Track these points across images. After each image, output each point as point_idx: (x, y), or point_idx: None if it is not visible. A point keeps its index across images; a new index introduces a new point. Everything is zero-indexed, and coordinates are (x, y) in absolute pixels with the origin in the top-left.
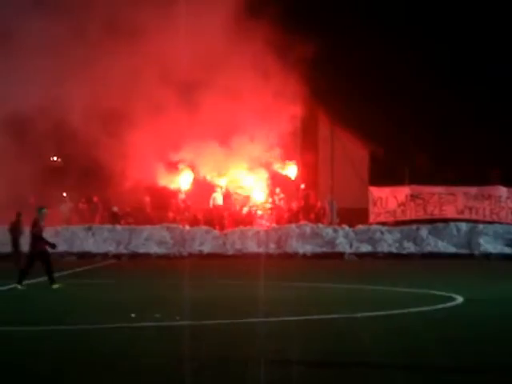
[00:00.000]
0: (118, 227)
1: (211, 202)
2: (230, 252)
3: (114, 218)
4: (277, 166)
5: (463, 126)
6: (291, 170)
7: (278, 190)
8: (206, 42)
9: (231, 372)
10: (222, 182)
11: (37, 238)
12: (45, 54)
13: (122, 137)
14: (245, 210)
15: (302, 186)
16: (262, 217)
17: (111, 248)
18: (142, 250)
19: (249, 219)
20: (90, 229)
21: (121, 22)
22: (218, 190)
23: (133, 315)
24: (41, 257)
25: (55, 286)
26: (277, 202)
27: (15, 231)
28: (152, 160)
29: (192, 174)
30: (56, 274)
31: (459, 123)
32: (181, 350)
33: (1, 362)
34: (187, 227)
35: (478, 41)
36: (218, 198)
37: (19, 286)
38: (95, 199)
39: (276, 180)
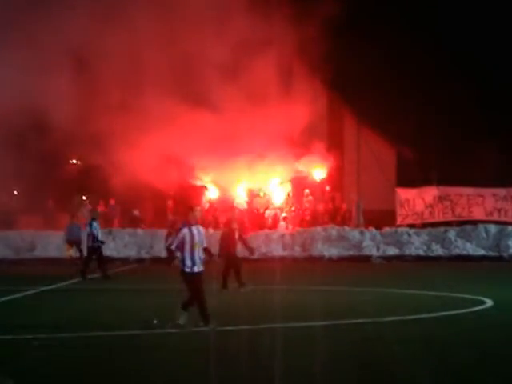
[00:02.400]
0: (140, 231)
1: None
2: (255, 256)
3: (135, 222)
4: (301, 168)
5: (493, 127)
6: (316, 172)
7: (307, 191)
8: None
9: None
10: (244, 186)
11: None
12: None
13: (143, 141)
14: (268, 212)
15: (327, 188)
16: (285, 219)
17: (132, 252)
18: (163, 255)
19: (273, 222)
20: (110, 233)
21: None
22: (242, 194)
23: (155, 321)
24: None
25: (243, 290)
26: (305, 204)
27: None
28: (173, 163)
29: (215, 179)
30: (75, 280)
31: (488, 124)
32: (203, 357)
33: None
34: (211, 230)
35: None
36: (241, 203)
37: (243, 290)
38: (112, 202)
39: (301, 182)
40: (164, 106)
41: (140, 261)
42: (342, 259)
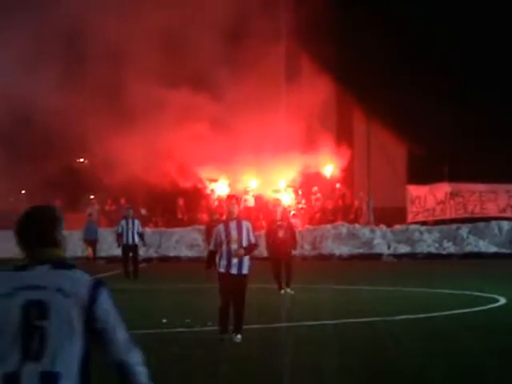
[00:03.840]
0: (148, 230)
1: (242, 204)
2: (265, 254)
3: (143, 221)
4: (310, 164)
5: (505, 122)
6: (326, 169)
7: (315, 189)
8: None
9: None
10: (253, 183)
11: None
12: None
13: (150, 139)
14: (278, 210)
15: (338, 186)
16: (295, 217)
17: (141, 251)
18: (172, 254)
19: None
20: None
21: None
22: (250, 191)
23: (164, 320)
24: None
25: (291, 292)
26: (313, 202)
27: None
28: (181, 161)
29: (224, 175)
30: None
31: (501, 119)
32: (213, 356)
33: None
34: None
35: None
36: (249, 200)
37: (289, 290)
38: (122, 201)
39: (310, 179)
40: (166, 100)
41: (148, 260)
42: (352, 257)
